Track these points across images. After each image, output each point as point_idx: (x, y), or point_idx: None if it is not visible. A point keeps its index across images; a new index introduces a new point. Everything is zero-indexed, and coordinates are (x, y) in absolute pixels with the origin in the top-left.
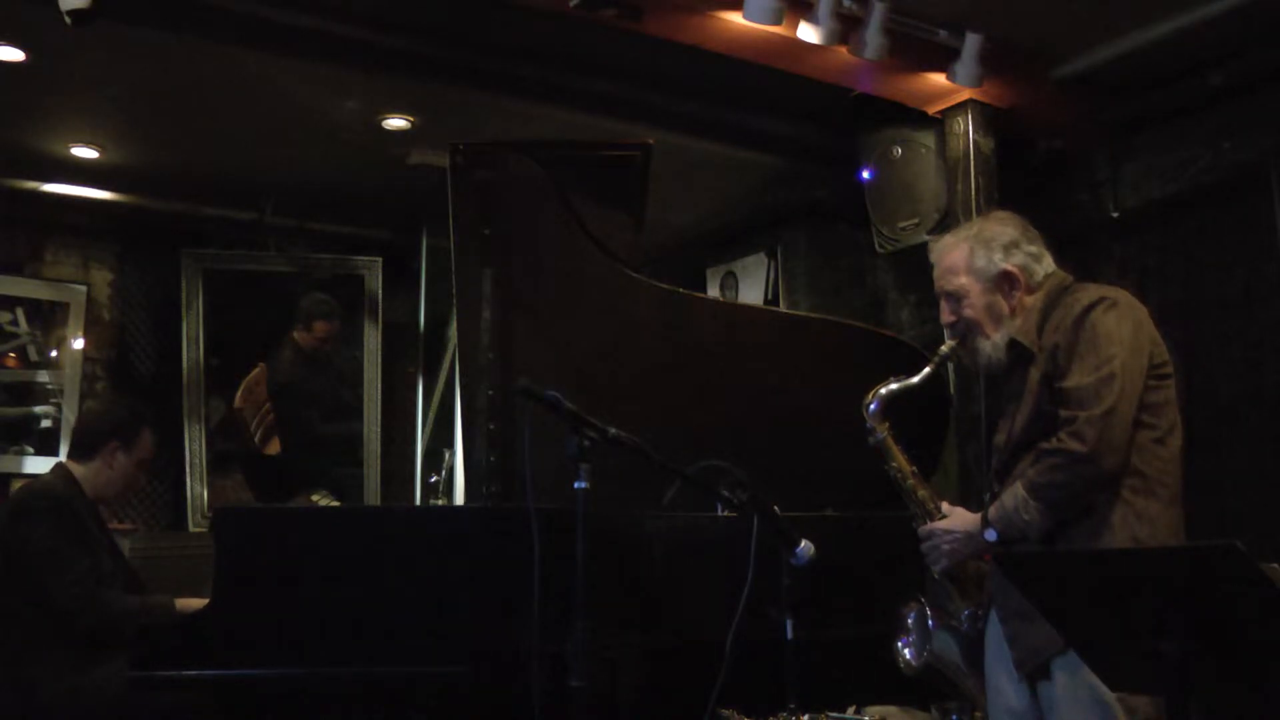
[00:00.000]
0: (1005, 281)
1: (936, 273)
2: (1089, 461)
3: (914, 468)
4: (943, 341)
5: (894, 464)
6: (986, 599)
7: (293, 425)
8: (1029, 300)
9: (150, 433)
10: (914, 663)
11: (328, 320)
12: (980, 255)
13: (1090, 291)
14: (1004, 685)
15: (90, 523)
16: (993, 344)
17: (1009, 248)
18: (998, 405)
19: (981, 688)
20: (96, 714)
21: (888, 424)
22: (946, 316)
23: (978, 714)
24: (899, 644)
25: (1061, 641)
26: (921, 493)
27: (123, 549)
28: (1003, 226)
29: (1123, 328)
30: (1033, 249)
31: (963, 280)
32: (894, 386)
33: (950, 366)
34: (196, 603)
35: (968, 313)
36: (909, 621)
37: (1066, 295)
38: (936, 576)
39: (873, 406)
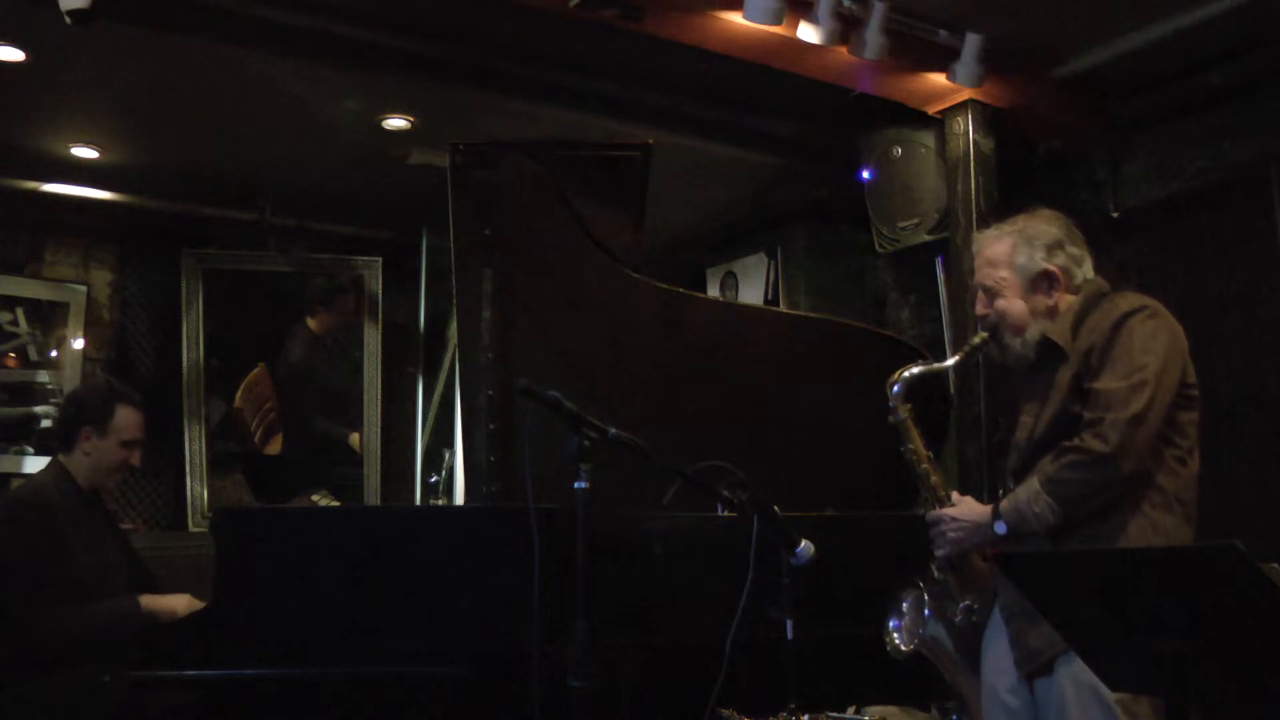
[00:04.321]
0: (1045, 280)
1: (976, 264)
2: (1109, 462)
3: (929, 453)
4: (942, 342)
5: (910, 446)
6: (988, 595)
7: (296, 416)
8: (1066, 302)
9: (128, 409)
10: (903, 648)
11: (344, 293)
12: (1023, 252)
13: (1131, 299)
14: (1002, 683)
15: (81, 521)
16: (1023, 341)
17: (1052, 248)
18: (1014, 402)
19: (969, 681)
20: (93, 716)
21: (909, 406)
22: (981, 309)
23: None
24: (890, 625)
25: (1064, 642)
26: (934, 479)
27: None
28: (1048, 226)
29: (1159, 339)
30: (1075, 251)
31: (1003, 274)
32: (917, 370)
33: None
34: (163, 600)
35: (1002, 306)
36: (904, 606)
37: (1105, 300)
38: (937, 566)
39: (895, 388)
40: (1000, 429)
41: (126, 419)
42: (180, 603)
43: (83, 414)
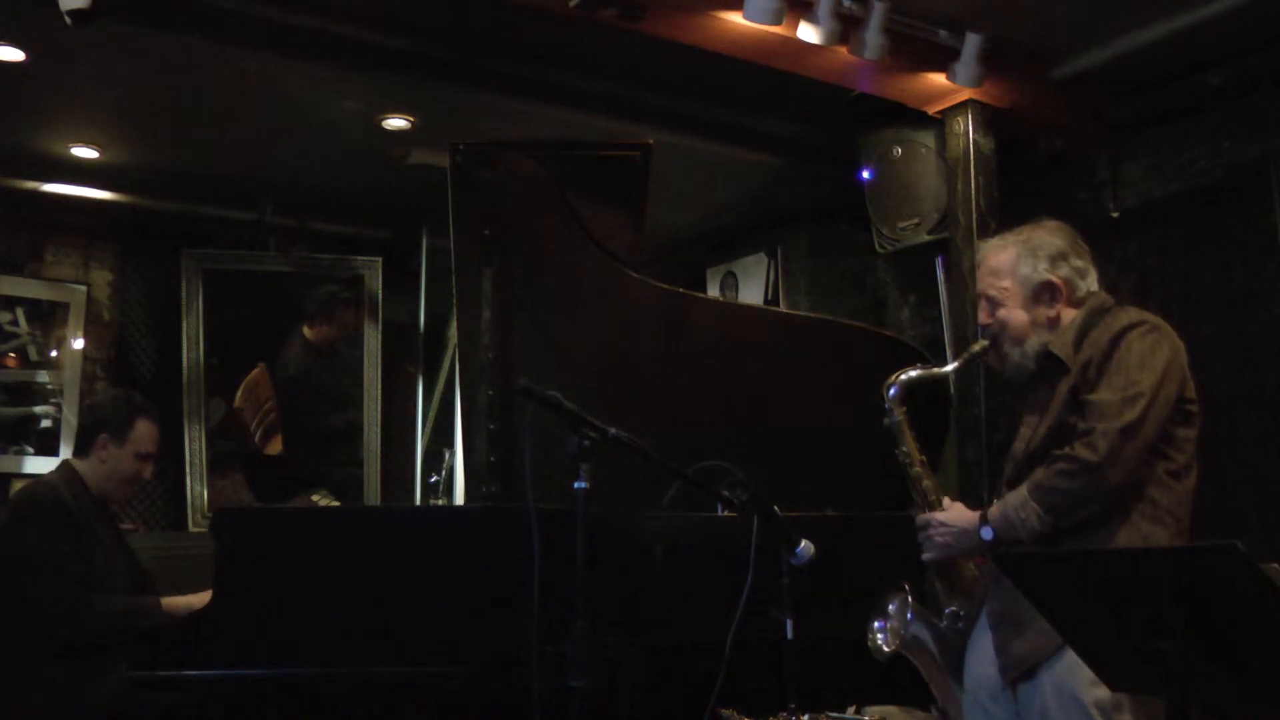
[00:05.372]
0: (1046, 292)
1: (979, 273)
2: (1096, 471)
3: (923, 456)
4: (941, 343)
5: (904, 449)
6: (975, 604)
7: (299, 419)
8: (1068, 314)
9: (147, 424)
10: (885, 649)
11: (346, 307)
12: (1026, 262)
13: (1132, 313)
14: (985, 688)
15: (93, 522)
16: (1023, 351)
17: (1055, 259)
18: (1017, 414)
19: (949, 687)
20: (93, 715)
21: (905, 409)
22: (983, 318)
23: None
24: (875, 626)
25: (1047, 650)
26: (926, 482)
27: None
28: (1053, 237)
29: (1158, 355)
30: (1079, 263)
31: (1005, 284)
32: (915, 373)
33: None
34: (183, 600)
35: (1004, 316)
36: (890, 608)
37: (1107, 315)
38: (929, 567)
39: (892, 391)
40: (1000, 430)
41: (144, 432)
42: (201, 602)
43: (103, 422)
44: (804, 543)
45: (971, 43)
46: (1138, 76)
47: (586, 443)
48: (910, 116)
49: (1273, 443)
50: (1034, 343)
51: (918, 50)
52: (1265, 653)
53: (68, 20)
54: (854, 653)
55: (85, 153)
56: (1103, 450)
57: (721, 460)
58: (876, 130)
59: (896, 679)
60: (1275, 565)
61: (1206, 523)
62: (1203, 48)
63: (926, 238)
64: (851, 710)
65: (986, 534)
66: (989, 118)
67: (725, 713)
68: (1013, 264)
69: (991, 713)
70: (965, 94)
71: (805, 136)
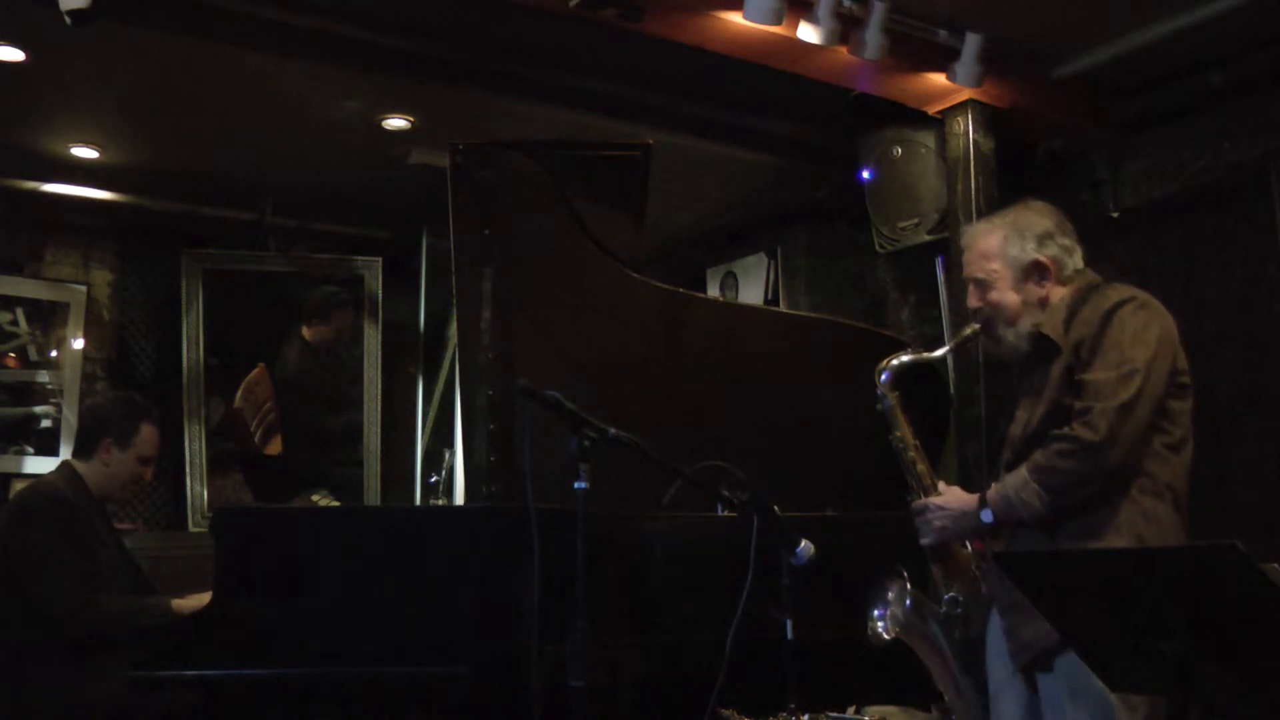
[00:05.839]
0: (1036, 271)
1: (967, 258)
2: (1096, 451)
3: (917, 441)
4: (941, 343)
5: (898, 433)
6: (970, 588)
7: (298, 421)
8: (1058, 294)
9: (151, 428)
10: (885, 635)
11: (343, 309)
12: (1014, 243)
13: (1121, 290)
14: (1004, 678)
15: (94, 523)
16: (1015, 332)
17: (1043, 238)
18: (1013, 398)
19: (948, 673)
20: (94, 715)
21: (897, 393)
22: (974, 301)
23: None
24: (874, 613)
25: (1055, 634)
26: (921, 467)
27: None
28: (1039, 217)
29: (1150, 330)
30: (1066, 242)
31: (994, 266)
32: (906, 358)
33: (950, 368)
34: (192, 601)
35: (994, 298)
36: (889, 595)
37: (1095, 293)
38: (926, 553)
39: (884, 375)
40: (1000, 431)
41: (148, 436)
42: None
43: (107, 426)
44: (804, 543)
45: (971, 43)
46: (1138, 76)
47: (586, 443)
48: (910, 116)
49: (1273, 443)
50: (1026, 323)
51: (918, 50)
52: (1266, 652)
53: (68, 20)
54: (854, 653)
55: (85, 153)
56: (1102, 429)
57: (721, 460)
58: (876, 130)
59: (896, 679)
60: (1275, 565)
61: (1207, 521)
62: (1203, 48)
63: (926, 238)
64: (851, 710)
65: (986, 516)
66: (989, 118)
67: (725, 713)
68: (1001, 246)
69: (1011, 701)
70: (965, 94)
71: (805, 136)
